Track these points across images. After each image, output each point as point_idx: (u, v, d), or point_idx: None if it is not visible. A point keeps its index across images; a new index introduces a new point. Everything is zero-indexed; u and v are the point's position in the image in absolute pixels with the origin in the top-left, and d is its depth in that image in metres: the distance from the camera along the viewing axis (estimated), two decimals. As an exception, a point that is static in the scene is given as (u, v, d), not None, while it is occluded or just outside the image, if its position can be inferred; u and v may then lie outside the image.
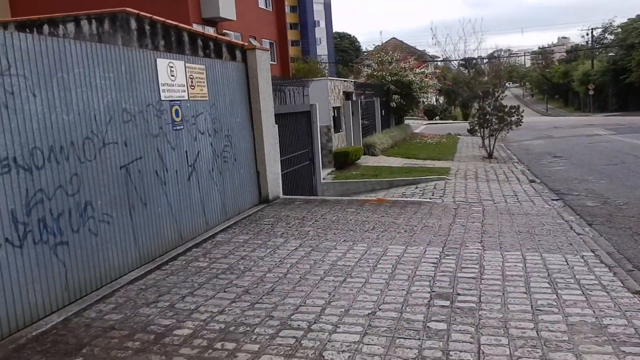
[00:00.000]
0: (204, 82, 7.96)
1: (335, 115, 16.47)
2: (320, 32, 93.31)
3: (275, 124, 10.51)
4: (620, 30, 59.19)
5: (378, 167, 15.67)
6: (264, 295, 5.18)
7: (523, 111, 19.19)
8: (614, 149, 19.63)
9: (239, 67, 9.31)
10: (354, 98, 18.63)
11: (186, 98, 7.43)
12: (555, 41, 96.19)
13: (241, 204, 9.09)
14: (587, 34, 63.95)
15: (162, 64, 6.90)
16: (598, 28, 63.81)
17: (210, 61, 8.27)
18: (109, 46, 5.98)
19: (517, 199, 10.69)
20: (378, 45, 30.75)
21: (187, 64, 7.50)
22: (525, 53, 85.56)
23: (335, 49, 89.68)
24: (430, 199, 10.87)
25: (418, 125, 40.94)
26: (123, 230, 5.96)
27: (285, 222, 8.31)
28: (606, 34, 64.71)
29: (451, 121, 54.33)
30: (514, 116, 18.44)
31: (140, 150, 6.36)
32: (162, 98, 6.86)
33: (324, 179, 14.10)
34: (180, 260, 6.51)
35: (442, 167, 15.72)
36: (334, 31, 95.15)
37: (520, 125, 18.78)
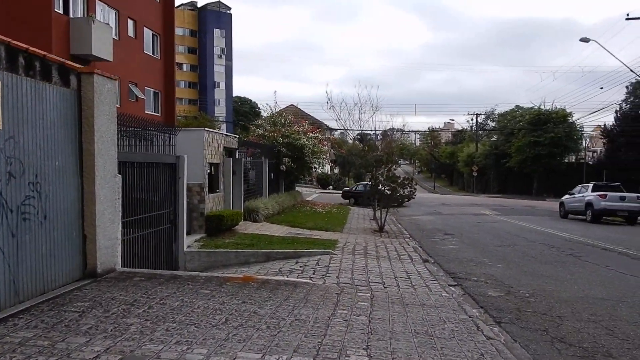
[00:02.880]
0: (-5, 104, 5.60)
1: (212, 173, 14.38)
2: (219, 94, 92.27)
3: (119, 174, 8.21)
4: (500, 118, 63.52)
5: (257, 236, 13.60)
6: None
7: (416, 184, 18.27)
8: (502, 230, 19.16)
9: (67, 94, 7.04)
10: (238, 156, 16.69)
11: (-47, 121, 5.02)
12: (442, 125, 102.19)
13: (49, 279, 6.56)
14: (472, 119, 68.01)
15: None
16: (481, 114, 68.16)
17: (13, 78, 5.95)
18: None
19: (411, 282, 9.05)
20: (273, 106, 29.47)
21: (-40, 73, 5.15)
22: (415, 132, 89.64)
23: (236, 112, 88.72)
24: (310, 278, 8.92)
25: (310, 193, 39.73)
26: None
27: (104, 310, 5.91)
28: (488, 121, 69.24)
29: (344, 192, 54.02)
30: (407, 188, 17.40)
31: None
32: None
33: (189, 246, 11.74)
34: None
35: (329, 240, 13.98)
36: (235, 95, 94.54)
37: (413, 198, 17.75)
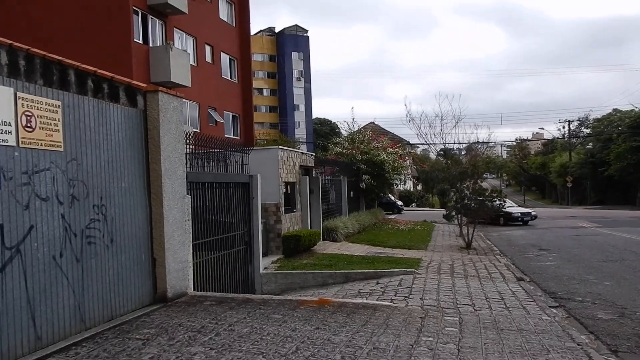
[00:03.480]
0: (56, 125, 5.48)
1: (289, 192, 14.06)
2: (299, 116, 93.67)
3: (189, 194, 7.99)
4: (596, 123, 59.42)
5: (336, 256, 13.05)
6: None
7: (505, 195, 17.03)
8: (606, 243, 17.37)
9: (132, 114, 6.89)
10: (315, 174, 16.32)
11: (11, 143, 4.90)
12: (530, 135, 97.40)
13: (117, 305, 6.34)
14: (564, 127, 64.03)
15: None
16: (574, 121, 64.13)
17: (74, 97, 5.83)
18: None
19: (505, 303, 8.10)
20: (351, 122, 29.04)
21: (18, 93, 5.03)
22: (502, 145, 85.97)
23: (316, 134, 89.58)
24: (391, 300, 8.22)
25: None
26: None
27: (169, 337, 5.56)
28: (582, 128, 65.01)
29: (428, 208, 52.47)
30: (495, 201, 16.21)
31: None
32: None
33: (265, 268, 11.39)
34: None
35: (412, 258, 13.16)
36: (315, 117, 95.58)
37: (502, 212, 16.49)
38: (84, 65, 6.15)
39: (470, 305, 7.88)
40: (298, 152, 15.29)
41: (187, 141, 8.68)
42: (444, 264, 12.64)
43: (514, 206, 28.48)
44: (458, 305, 7.80)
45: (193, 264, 8.51)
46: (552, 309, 7.84)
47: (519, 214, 25.43)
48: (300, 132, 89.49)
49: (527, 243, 18.38)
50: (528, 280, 10.70)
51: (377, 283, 9.90)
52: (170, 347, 5.21)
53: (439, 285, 9.45)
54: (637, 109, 47.78)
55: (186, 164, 9.72)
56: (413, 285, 9.38)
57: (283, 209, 13.25)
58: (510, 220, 24.61)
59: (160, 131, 7.16)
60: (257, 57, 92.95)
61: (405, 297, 8.42)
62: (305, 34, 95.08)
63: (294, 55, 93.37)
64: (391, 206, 35.02)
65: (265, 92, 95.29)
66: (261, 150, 13.49)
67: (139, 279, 6.81)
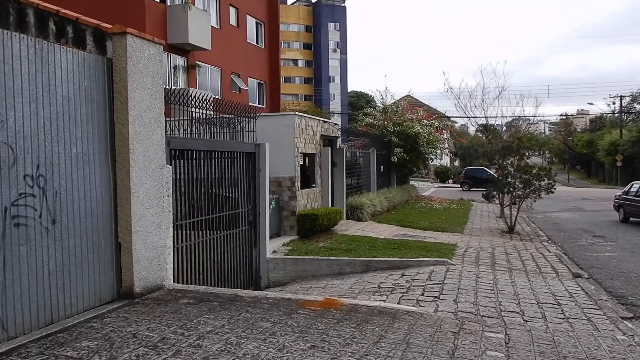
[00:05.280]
0: (-42, 67, 4.02)
1: (307, 165, 12.51)
2: (334, 88, 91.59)
3: (171, 164, 6.53)
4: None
5: (358, 238, 11.49)
6: None
7: (556, 174, 15.09)
8: (671, 230, 15.28)
9: (90, 60, 5.40)
10: (339, 145, 14.69)
11: None
12: (575, 112, 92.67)
13: (61, 305, 4.95)
14: (614, 103, 60.01)
15: None
16: (626, 96, 60.04)
17: (-9, 31, 4.36)
18: None
19: (563, 312, 6.41)
20: (383, 91, 27.15)
21: None
22: (545, 122, 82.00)
23: (352, 107, 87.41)
24: (417, 302, 6.63)
25: (427, 187, 36.86)
26: None
27: (109, 356, 4.13)
28: (635, 104, 60.95)
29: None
30: (544, 180, 14.28)
31: None
32: None
33: (274, 252, 9.93)
34: None
35: (446, 244, 11.49)
36: (351, 90, 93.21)
37: (553, 192, 14.58)
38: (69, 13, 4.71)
39: (517, 312, 6.22)
40: (319, 119, 13.63)
41: (173, 101, 7.17)
42: (483, 252, 10.93)
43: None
44: (502, 313, 6.16)
45: (180, 248, 7.12)
46: (626, 322, 6.12)
47: None
48: (335, 105, 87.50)
49: (577, 227, 16.41)
50: (586, 276, 8.94)
51: (403, 275, 8.30)
52: (105, 372, 3.79)
53: (477, 282, 7.79)
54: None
55: (187, 129, 8.29)
56: (445, 281, 7.75)
57: (299, 184, 11.71)
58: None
59: (128, 84, 5.66)
60: (292, 28, 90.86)
61: (435, 297, 6.81)
62: (342, 4, 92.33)
63: (331, 25, 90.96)
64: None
65: (300, 64, 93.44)
66: (273, 117, 11.94)
67: (95, 270, 5.40)
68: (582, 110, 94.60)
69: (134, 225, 5.70)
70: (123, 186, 5.68)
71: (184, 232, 7.31)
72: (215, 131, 8.79)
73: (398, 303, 6.58)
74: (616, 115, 60.02)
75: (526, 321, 5.86)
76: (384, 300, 6.80)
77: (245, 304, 5.74)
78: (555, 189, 14.58)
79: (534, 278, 8.44)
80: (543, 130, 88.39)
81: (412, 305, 6.37)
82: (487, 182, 17.79)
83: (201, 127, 8.57)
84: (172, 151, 6.79)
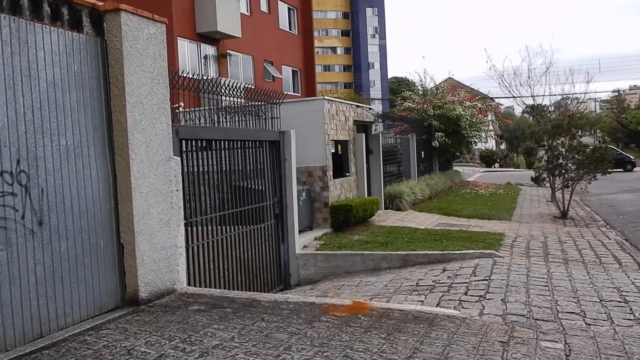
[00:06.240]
0: None
1: (340, 153, 11.76)
2: (374, 74, 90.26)
3: (180, 155, 5.94)
4: None
5: (396, 229, 10.70)
6: None
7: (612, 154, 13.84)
8: None
9: (81, 41, 4.84)
10: (375, 131, 13.87)
11: None
12: (627, 89, 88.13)
13: (52, 315, 4.43)
14: (671, 76, 56.46)
15: None
16: (684, 68, 56.32)
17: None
18: None
19: (632, 312, 5.49)
20: (422, 73, 26.12)
21: None
22: (595, 100, 78.25)
23: (393, 93, 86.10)
24: (459, 303, 5.84)
25: (472, 172, 35.50)
26: None
27: (97, 376, 3.56)
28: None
29: (512, 169, 48.29)
30: (600, 162, 13.09)
31: None
32: None
33: (305, 247, 9.28)
34: None
35: (492, 233, 10.57)
36: (392, 76, 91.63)
37: (609, 173, 13.37)
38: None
39: (578, 314, 5.34)
40: (351, 104, 12.81)
41: (182, 86, 6.56)
42: (534, 240, 9.97)
43: None
44: (559, 315, 5.30)
45: (196, 246, 6.55)
46: None
47: None
48: (376, 91, 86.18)
49: (638, 210, 15.10)
50: (655, 267, 7.90)
51: (444, 270, 7.50)
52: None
53: (528, 277, 6.92)
54: None
55: (210, 118, 7.72)
56: (492, 276, 6.90)
57: (331, 173, 10.98)
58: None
59: (125, 67, 5.08)
60: (330, 15, 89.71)
61: (480, 297, 5.99)
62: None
63: (368, 11, 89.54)
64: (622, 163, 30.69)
65: (339, 51, 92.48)
66: (301, 102, 11.24)
67: (94, 275, 4.86)
68: (634, 86, 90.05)
69: (137, 224, 5.13)
70: (123, 181, 5.12)
71: (201, 228, 6.74)
72: (238, 119, 8.20)
73: (438, 304, 5.81)
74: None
75: (589, 325, 4.99)
76: (422, 301, 6.05)
77: (262, 310, 5.10)
78: (610, 171, 13.35)
79: (593, 270, 7.48)
80: (594, 109, 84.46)
81: (454, 308, 5.59)
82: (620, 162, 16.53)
83: (222, 116, 7.98)
84: (183, 141, 6.20)
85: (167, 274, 5.52)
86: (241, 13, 20.73)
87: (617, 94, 72.02)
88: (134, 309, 5.05)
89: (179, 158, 5.87)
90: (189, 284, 6.23)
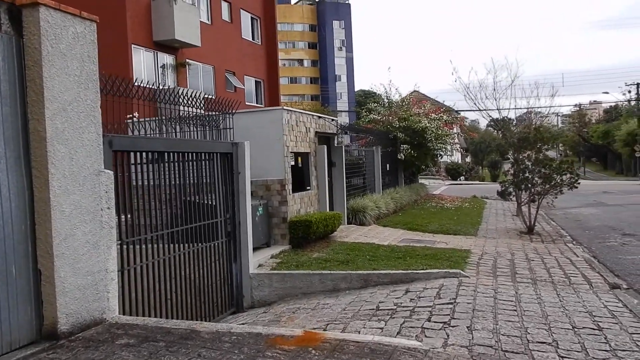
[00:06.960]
0: None
1: (300, 165, 11.24)
2: (341, 87, 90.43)
3: (109, 169, 5.31)
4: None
5: (357, 246, 10.20)
6: None
7: (579, 168, 13.69)
8: None
9: (-15, 38, 4.20)
10: (337, 143, 13.41)
11: None
12: (587, 104, 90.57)
13: (-55, 356, 3.74)
14: (629, 92, 57.99)
15: None
16: (643, 84, 57.88)
17: None
18: None
19: (607, 341, 5.08)
20: (387, 84, 26.07)
21: None
22: (557, 114, 79.99)
23: (360, 106, 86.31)
24: (421, 331, 5.34)
25: (438, 185, 35.49)
26: None
27: None
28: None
29: (478, 182, 48.61)
30: (565, 174, 12.92)
31: None
32: None
33: (260, 265, 8.69)
34: None
35: (457, 250, 10.18)
36: (359, 89, 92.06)
37: (576, 187, 13.21)
38: None
39: (549, 344, 4.91)
40: (312, 115, 12.31)
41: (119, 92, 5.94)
42: (501, 258, 9.60)
43: None
44: (530, 345, 4.85)
45: (133, 269, 5.91)
46: (690, 355, 4.78)
47: None
48: (343, 104, 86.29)
49: (603, 225, 15.01)
50: (626, 287, 7.61)
51: (407, 292, 7.02)
52: None
53: (495, 300, 6.49)
54: None
55: (165, 128, 7.13)
56: (457, 299, 6.44)
57: (290, 187, 10.43)
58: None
59: (44, 69, 4.45)
60: (297, 27, 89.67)
61: (445, 323, 5.51)
62: (346, 1, 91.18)
63: (335, 24, 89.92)
64: None
65: (305, 63, 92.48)
66: (259, 113, 10.72)
67: (2, 306, 4.19)
68: (594, 101, 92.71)
69: (57, 247, 4.48)
70: (41, 198, 4.47)
71: (145, 248, 6.11)
72: (191, 130, 7.61)
73: (398, 332, 5.31)
74: (632, 103, 58.03)
75: (562, 358, 4.55)
76: (381, 328, 5.54)
77: (201, 343, 4.50)
78: (579, 183, 13.21)
79: (563, 291, 7.11)
80: (556, 123, 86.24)
81: (416, 337, 5.09)
82: None
83: (173, 126, 7.38)
84: (117, 153, 5.57)
85: (94, 302, 4.86)
86: (201, 21, 20.13)
87: (578, 108, 73.71)
88: (51, 344, 4.39)
89: (112, 172, 5.24)
90: (124, 312, 5.60)
